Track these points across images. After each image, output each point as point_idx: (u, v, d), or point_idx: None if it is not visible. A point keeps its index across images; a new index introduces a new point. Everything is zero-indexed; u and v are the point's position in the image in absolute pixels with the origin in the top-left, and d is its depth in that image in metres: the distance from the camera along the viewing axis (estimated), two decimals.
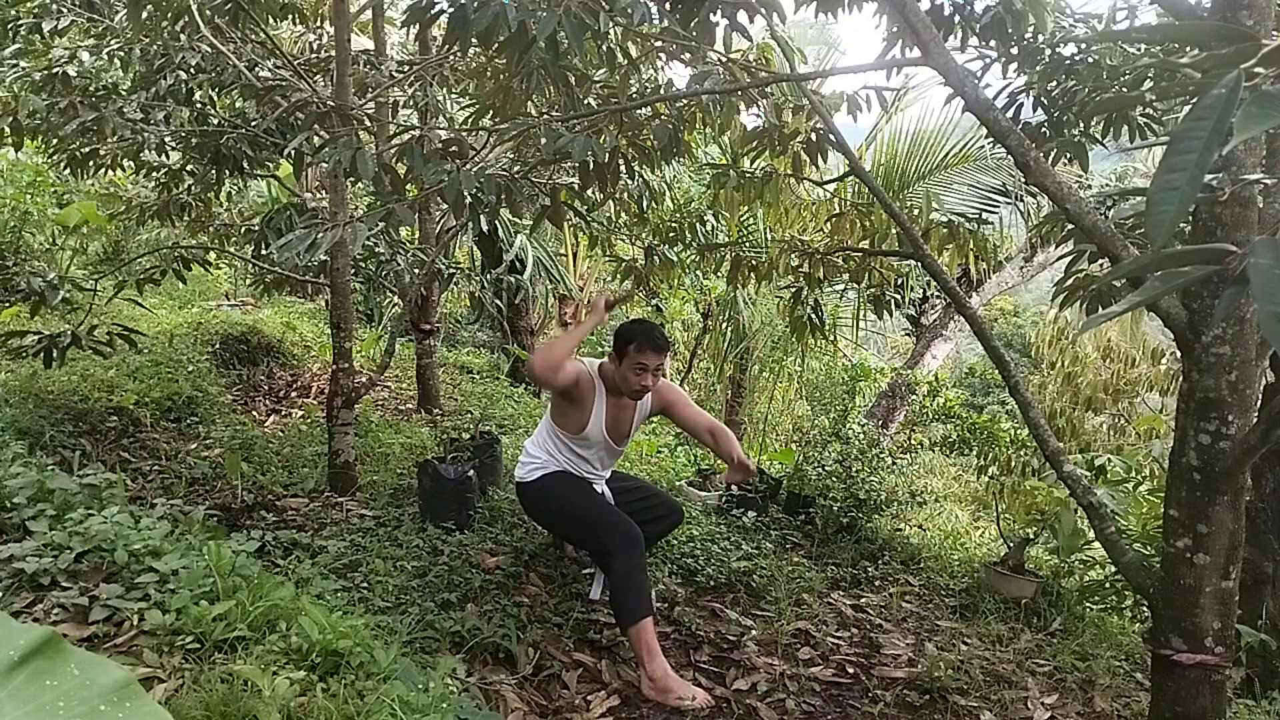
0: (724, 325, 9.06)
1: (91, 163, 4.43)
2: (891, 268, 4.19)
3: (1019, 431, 4.73)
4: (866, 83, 3.48)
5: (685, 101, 3.53)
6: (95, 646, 1.87)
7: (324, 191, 6.49)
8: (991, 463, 4.75)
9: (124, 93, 4.40)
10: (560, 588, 3.56)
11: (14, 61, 4.21)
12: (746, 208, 5.28)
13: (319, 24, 5.10)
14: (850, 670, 3.24)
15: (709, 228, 4.92)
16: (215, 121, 4.51)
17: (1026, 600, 3.86)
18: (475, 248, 8.51)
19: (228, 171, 4.56)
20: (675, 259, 4.67)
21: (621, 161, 3.19)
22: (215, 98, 4.72)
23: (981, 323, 2.93)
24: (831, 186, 4.40)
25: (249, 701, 1.69)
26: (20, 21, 4.09)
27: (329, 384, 4.23)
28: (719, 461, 4.86)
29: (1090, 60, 3.18)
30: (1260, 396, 2.19)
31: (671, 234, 4.63)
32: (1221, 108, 0.97)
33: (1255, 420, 2.08)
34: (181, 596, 2.03)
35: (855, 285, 4.55)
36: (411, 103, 4.85)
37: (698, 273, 7.43)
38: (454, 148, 3.00)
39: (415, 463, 4.28)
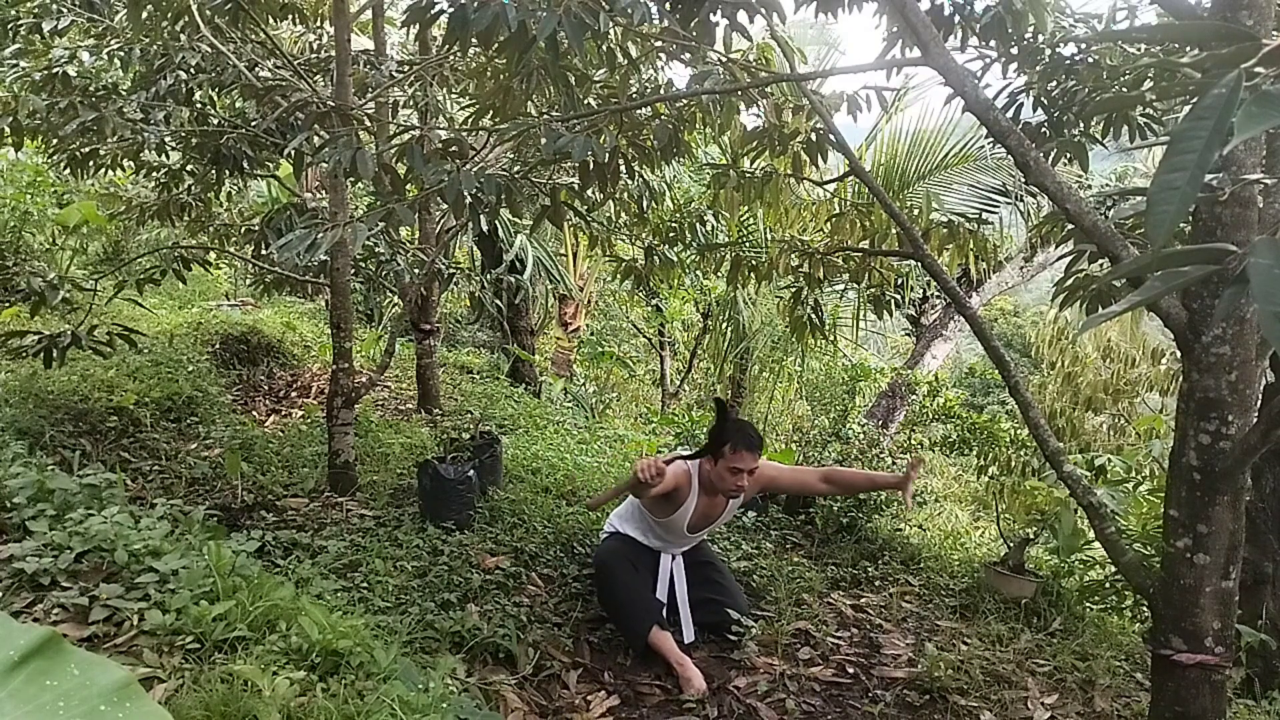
0: (724, 325, 9.07)
1: (91, 163, 4.43)
2: (891, 268, 4.19)
3: (1019, 431, 4.73)
4: (866, 83, 3.49)
5: (685, 101, 3.53)
6: (95, 646, 1.87)
7: (324, 191, 6.49)
8: (991, 463, 4.74)
9: (124, 93, 4.39)
10: (560, 588, 3.56)
11: (14, 61, 4.21)
12: (746, 208, 5.27)
13: (319, 24, 5.10)
14: (850, 670, 3.24)
15: (709, 228, 4.91)
16: (215, 121, 4.51)
17: (1026, 600, 3.86)
18: (475, 248, 8.50)
19: (228, 171, 4.55)
20: (675, 259, 4.67)
21: (621, 161, 3.19)
22: (215, 98, 4.72)
23: (981, 323, 2.93)
24: (831, 186, 4.40)
25: (249, 701, 1.69)
26: (20, 21, 4.09)
27: (329, 384, 4.23)
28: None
29: (1090, 60, 3.18)
30: (1260, 396, 2.18)
31: (671, 234, 4.63)
32: (1221, 108, 0.97)
33: (1255, 420, 2.07)
34: (181, 596, 2.03)
35: (855, 285, 4.55)
36: (411, 103, 4.85)
37: (698, 273, 7.43)
38: (454, 148, 3.00)
39: (415, 463, 4.28)
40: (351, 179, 3.43)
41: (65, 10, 4.06)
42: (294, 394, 6.10)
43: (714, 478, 3.20)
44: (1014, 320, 17.94)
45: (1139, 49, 3.07)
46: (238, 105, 4.91)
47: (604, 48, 3.07)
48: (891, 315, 5.50)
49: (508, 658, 2.90)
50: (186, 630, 1.94)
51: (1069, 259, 2.88)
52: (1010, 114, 3.36)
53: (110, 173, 4.89)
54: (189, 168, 4.79)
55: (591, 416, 8.56)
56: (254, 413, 5.59)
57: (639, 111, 3.31)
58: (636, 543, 3.38)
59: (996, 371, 3.36)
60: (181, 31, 4.17)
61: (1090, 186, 6.73)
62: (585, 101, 3.38)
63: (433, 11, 2.36)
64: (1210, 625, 2.15)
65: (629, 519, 3.44)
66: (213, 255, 5.71)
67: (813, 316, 4.09)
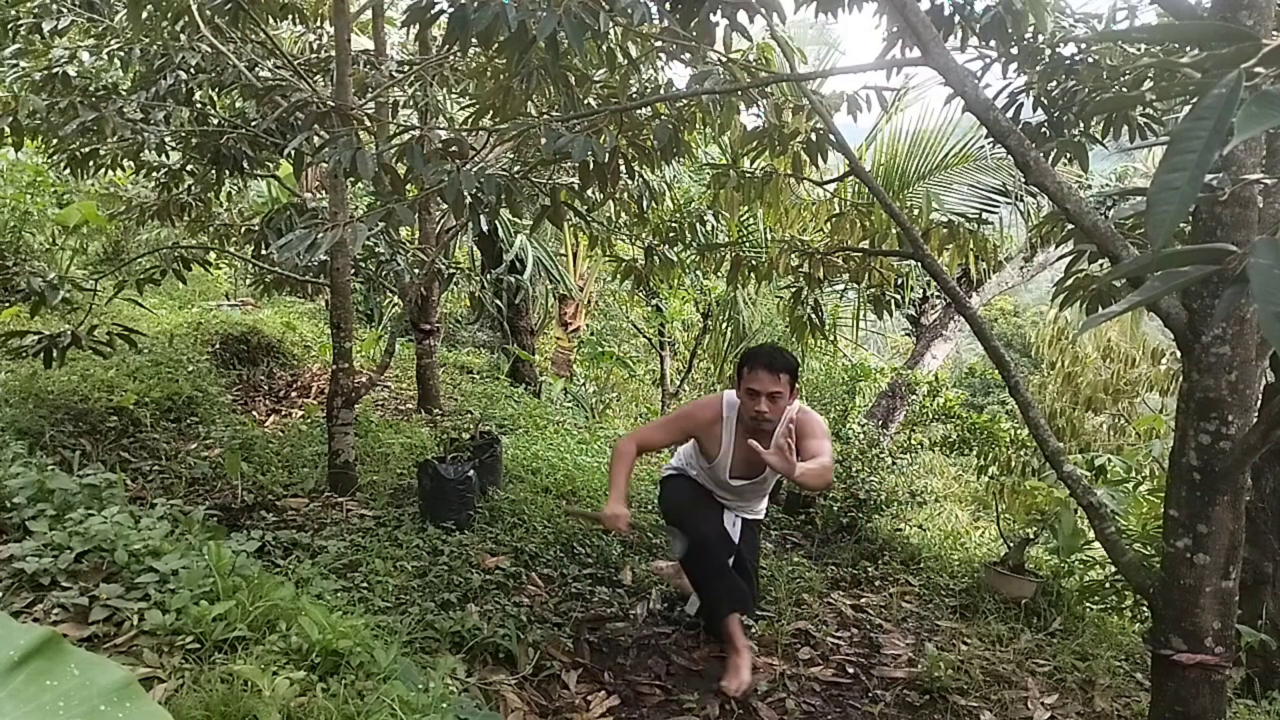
0: (724, 325, 9.06)
1: (91, 163, 4.43)
2: (891, 268, 4.19)
3: (1019, 431, 4.73)
4: (866, 83, 3.49)
5: (685, 101, 3.53)
6: (95, 646, 1.87)
7: (324, 191, 6.49)
8: (991, 463, 4.74)
9: (124, 93, 4.39)
10: (560, 588, 3.56)
11: (14, 61, 4.21)
12: (746, 208, 5.27)
13: (319, 24, 5.10)
14: (850, 670, 3.24)
15: (709, 228, 4.91)
16: (215, 121, 4.50)
17: (1026, 600, 3.86)
18: (475, 248, 8.50)
19: (228, 171, 4.55)
20: (675, 259, 4.67)
21: (621, 161, 3.19)
22: (215, 98, 4.71)
23: (981, 323, 2.93)
24: (831, 186, 4.40)
25: (249, 701, 1.69)
26: (20, 21, 4.08)
27: (329, 384, 4.23)
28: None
29: (1090, 60, 3.18)
30: (1260, 396, 2.18)
31: (671, 234, 4.63)
32: (1221, 108, 0.97)
33: (1255, 420, 2.08)
34: (181, 596, 2.03)
35: (855, 285, 4.55)
36: (411, 103, 4.85)
37: (698, 273, 7.43)
38: (454, 148, 3.00)
39: (415, 463, 4.28)
40: (351, 179, 3.43)
41: (65, 10, 4.06)
42: (294, 394, 6.10)
43: (741, 407, 3.05)
44: (1014, 320, 17.93)
45: (1139, 49, 3.07)
46: (238, 105, 4.91)
47: (604, 48, 3.07)
48: (891, 315, 5.50)
49: (508, 658, 2.90)
50: (186, 630, 1.94)
51: (1069, 259, 2.88)
52: (1010, 114, 3.36)
53: (110, 173, 4.89)
54: (189, 168, 4.79)
55: (591, 416, 8.56)
56: (254, 413, 5.58)
57: (639, 111, 3.31)
58: (705, 492, 3.24)
59: (996, 371, 3.35)
60: (181, 31, 4.17)
61: (1090, 186, 6.72)
62: (585, 101, 3.38)
63: (433, 11, 2.37)
64: (1210, 625, 2.15)
65: (690, 461, 3.30)
66: (213, 255, 5.71)
67: (813, 316, 4.09)
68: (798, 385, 3.01)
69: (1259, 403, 2.15)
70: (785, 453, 2.50)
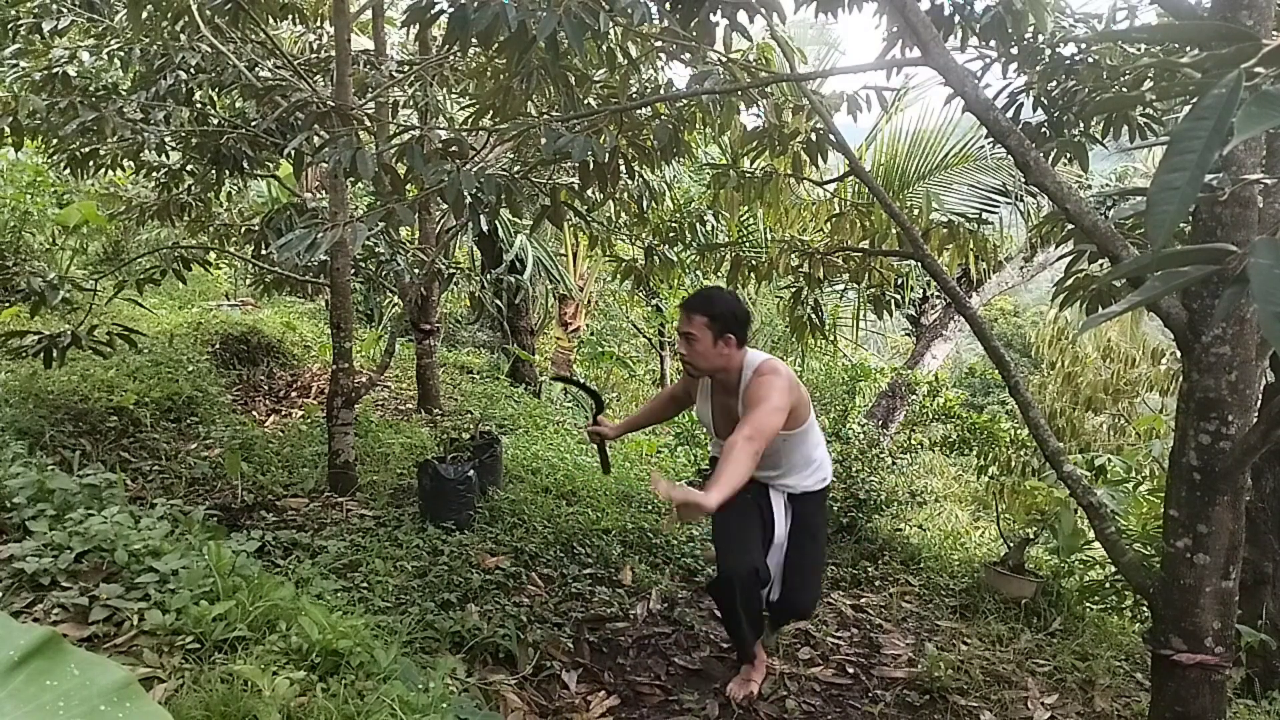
0: None
1: (91, 163, 4.43)
2: (891, 268, 4.19)
3: (1019, 431, 4.73)
4: (866, 83, 3.49)
5: (685, 101, 3.53)
6: (95, 646, 1.87)
7: (324, 191, 6.49)
8: (991, 463, 4.74)
9: (124, 93, 4.40)
10: (560, 588, 3.56)
11: (14, 61, 4.21)
12: (746, 208, 5.27)
13: (319, 24, 5.10)
14: (850, 670, 3.24)
15: (709, 228, 4.91)
16: (215, 121, 4.50)
17: (1026, 600, 3.86)
18: (475, 248, 8.51)
19: (228, 171, 4.55)
20: (675, 259, 4.67)
21: (621, 161, 3.19)
22: (215, 98, 4.72)
23: (981, 323, 2.93)
24: (831, 186, 4.40)
25: (249, 701, 1.69)
26: (20, 21, 4.09)
27: (329, 384, 4.23)
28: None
29: (1090, 60, 3.18)
30: (1260, 396, 2.18)
31: (671, 234, 4.63)
32: (1221, 108, 0.97)
33: (1255, 420, 2.08)
34: (181, 596, 2.03)
35: (855, 285, 4.55)
36: (411, 103, 4.85)
37: (698, 273, 7.43)
38: (454, 148, 3.00)
39: (415, 463, 4.28)
40: (351, 179, 3.43)
41: (65, 10, 4.06)
42: (294, 394, 6.10)
43: None
44: (1014, 320, 17.92)
45: (1139, 49, 3.07)
46: (238, 105, 4.91)
47: (604, 48, 3.07)
48: (891, 315, 5.50)
49: (508, 658, 2.90)
50: (186, 630, 1.94)
51: (1069, 259, 2.88)
52: (1010, 114, 3.36)
53: (110, 173, 4.89)
54: (189, 168, 4.79)
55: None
56: (254, 413, 5.58)
57: (639, 111, 3.31)
58: (747, 496, 2.71)
59: (996, 371, 3.35)
60: (181, 31, 4.17)
61: (1090, 186, 6.72)
62: (585, 101, 3.38)
63: (433, 11, 2.37)
64: (1210, 625, 2.15)
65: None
66: (213, 255, 5.71)
67: (813, 316, 4.09)
68: (734, 333, 2.66)
69: (1259, 403, 2.15)
70: (669, 490, 2.18)
